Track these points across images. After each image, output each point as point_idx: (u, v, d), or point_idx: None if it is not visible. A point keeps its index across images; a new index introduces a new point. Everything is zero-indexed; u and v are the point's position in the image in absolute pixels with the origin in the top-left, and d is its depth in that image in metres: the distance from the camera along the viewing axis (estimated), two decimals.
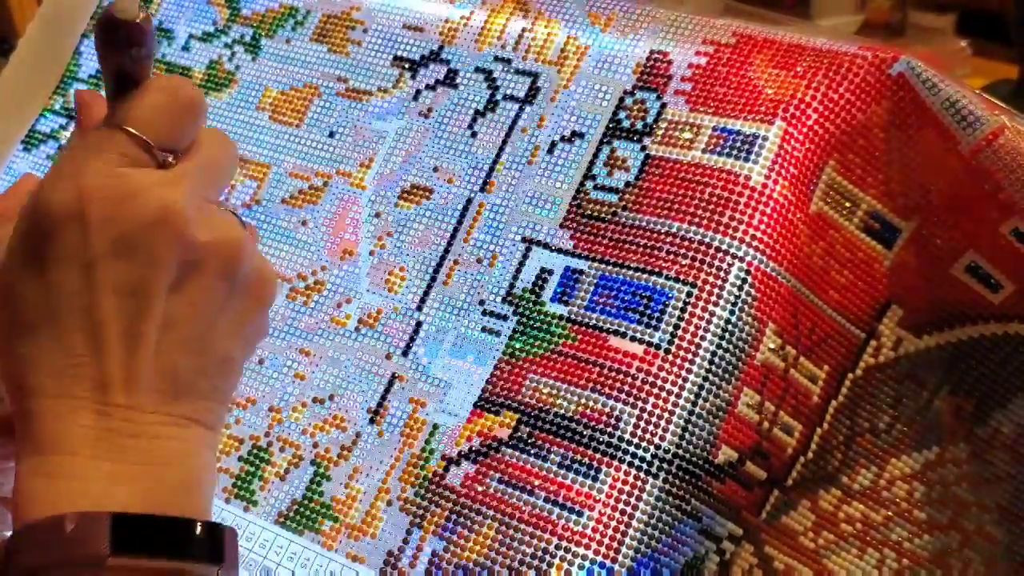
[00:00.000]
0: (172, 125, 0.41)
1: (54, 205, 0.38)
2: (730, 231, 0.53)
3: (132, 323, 0.39)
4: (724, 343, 0.51)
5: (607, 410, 0.51)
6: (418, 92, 0.63)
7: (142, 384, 0.39)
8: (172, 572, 0.38)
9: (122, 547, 0.37)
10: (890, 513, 0.58)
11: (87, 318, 0.38)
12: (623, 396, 0.51)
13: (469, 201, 0.59)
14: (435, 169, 0.61)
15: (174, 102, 0.41)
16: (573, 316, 0.54)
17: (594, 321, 0.53)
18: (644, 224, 0.54)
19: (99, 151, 0.39)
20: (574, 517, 0.50)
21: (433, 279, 0.58)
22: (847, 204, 0.55)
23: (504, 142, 0.60)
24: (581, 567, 0.49)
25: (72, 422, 0.38)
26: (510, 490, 0.52)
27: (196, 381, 0.40)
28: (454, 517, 0.52)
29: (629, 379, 0.52)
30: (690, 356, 0.51)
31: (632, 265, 0.54)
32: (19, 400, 0.39)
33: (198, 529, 0.39)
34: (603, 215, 0.56)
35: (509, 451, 0.52)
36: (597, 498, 0.50)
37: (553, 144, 0.58)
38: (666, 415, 0.51)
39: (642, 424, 0.51)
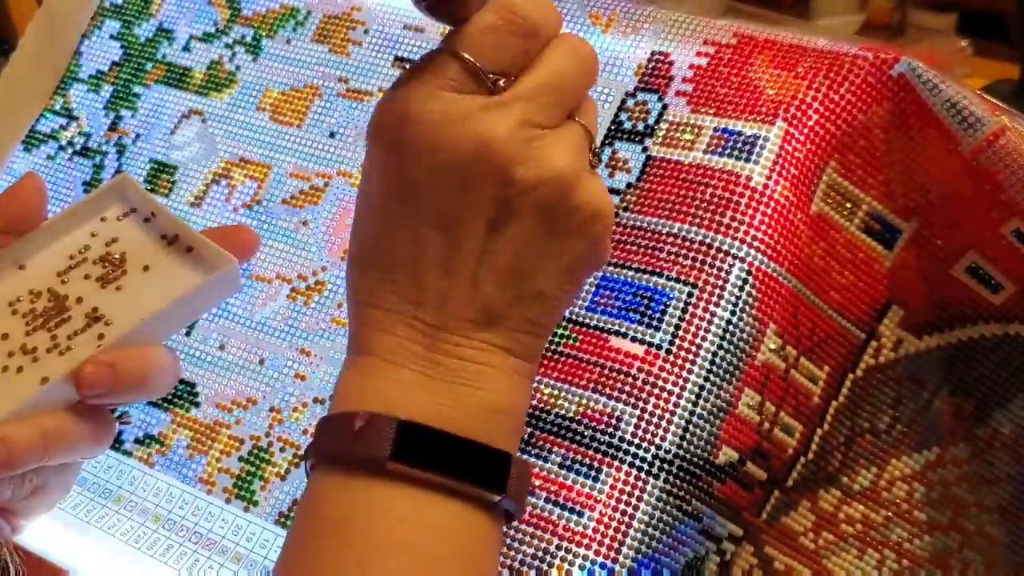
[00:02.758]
0: (502, 48, 0.39)
1: (380, 128, 0.39)
2: (731, 232, 0.53)
3: (447, 253, 0.39)
4: (725, 343, 0.51)
5: (608, 410, 0.51)
6: None
7: (453, 310, 0.39)
8: (450, 489, 0.38)
9: (403, 454, 0.37)
10: (890, 514, 0.58)
11: (408, 243, 0.39)
12: (624, 397, 0.51)
13: None
14: None
15: (506, 24, 0.39)
16: (574, 316, 0.54)
17: (595, 322, 0.53)
18: (645, 225, 0.54)
19: (427, 76, 0.38)
20: (575, 517, 0.50)
21: None
22: (848, 205, 0.55)
23: None
24: (582, 567, 0.49)
25: (387, 330, 0.39)
26: None
27: (509, 313, 0.40)
28: None
29: (630, 380, 0.52)
30: (691, 356, 0.51)
31: (633, 266, 0.54)
32: (351, 304, 0.41)
33: (483, 453, 0.38)
34: None
35: None
36: (598, 498, 0.50)
37: None
38: (667, 415, 0.51)
39: (643, 424, 0.51)
